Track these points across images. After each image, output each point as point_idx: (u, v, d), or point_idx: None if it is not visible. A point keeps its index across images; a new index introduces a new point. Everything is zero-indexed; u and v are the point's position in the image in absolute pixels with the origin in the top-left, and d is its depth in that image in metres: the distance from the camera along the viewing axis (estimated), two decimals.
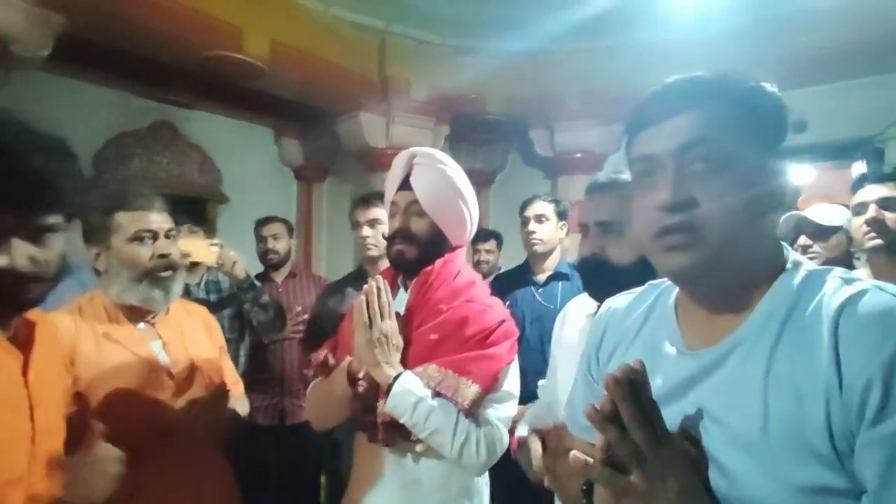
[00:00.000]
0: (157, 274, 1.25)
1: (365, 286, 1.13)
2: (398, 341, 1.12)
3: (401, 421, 1.07)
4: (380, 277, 1.15)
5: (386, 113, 3.56)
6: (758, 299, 0.60)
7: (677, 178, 0.59)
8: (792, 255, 0.64)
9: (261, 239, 2.62)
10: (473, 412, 1.10)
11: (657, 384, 0.64)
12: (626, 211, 1.02)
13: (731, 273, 0.60)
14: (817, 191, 3.01)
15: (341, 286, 2.07)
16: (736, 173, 0.58)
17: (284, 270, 2.66)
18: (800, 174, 3.38)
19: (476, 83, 3.58)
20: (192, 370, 1.30)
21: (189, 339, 1.34)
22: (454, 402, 1.07)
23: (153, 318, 1.31)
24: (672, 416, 0.61)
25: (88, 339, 1.18)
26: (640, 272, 1.00)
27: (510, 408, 1.17)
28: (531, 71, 3.64)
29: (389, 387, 1.07)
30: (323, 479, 2.71)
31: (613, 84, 3.41)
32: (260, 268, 2.68)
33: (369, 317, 1.10)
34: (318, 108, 3.62)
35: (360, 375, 1.11)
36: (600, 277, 1.07)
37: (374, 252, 1.98)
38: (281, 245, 2.61)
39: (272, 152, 4.24)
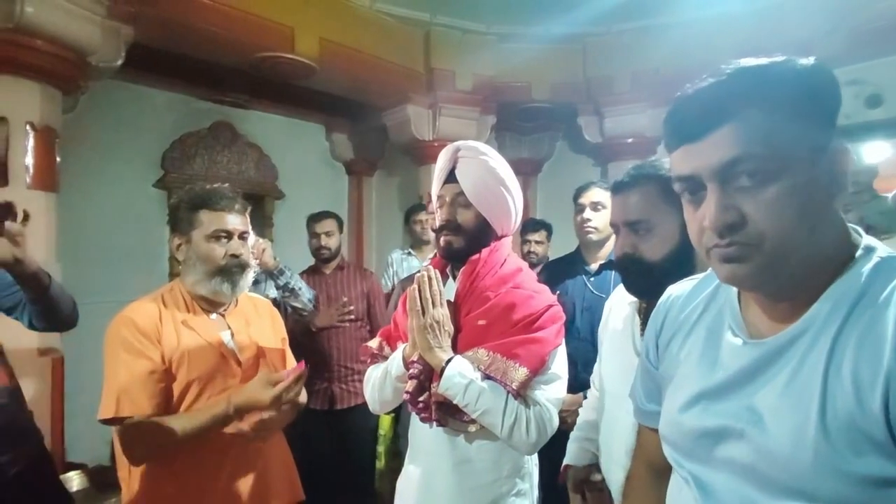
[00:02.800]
0: (227, 271, 1.35)
1: (417, 275, 1.18)
2: (449, 327, 1.17)
3: (454, 402, 1.11)
4: (431, 267, 1.20)
5: (432, 105, 3.60)
6: (825, 287, 0.58)
7: (722, 198, 0.57)
8: (865, 239, 0.60)
9: (313, 235, 2.74)
10: (522, 394, 1.13)
11: (718, 374, 0.64)
12: (653, 207, 1.04)
13: (791, 272, 0.58)
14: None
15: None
16: (787, 176, 0.55)
17: (334, 263, 2.77)
18: (875, 152, 3.14)
19: (522, 70, 3.55)
20: (258, 358, 1.40)
21: (255, 330, 1.44)
22: (503, 384, 1.11)
23: (224, 309, 1.42)
24: (731, 406, 0.61)
25: (169, 325, 1.30)
26: (674, 266, 1.02)
27: (559, 389, 1.19)
28: (578, 55, 3.57)
29: (442, 370, 1.11)
30: (383, 459, 2.83)
31: (665, 63, 3.30)
32: (312, 260, 2.80)
33: (422, 305, 1.15)
34: (366, 103, 3.70)
35: (415, 359, 1.16)
36: (636, 275, 1.08)
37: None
38: (332, 241, 2.72)
39: (324, 148, 4.37)
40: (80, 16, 2.23)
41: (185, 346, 1.29)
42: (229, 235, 1.35)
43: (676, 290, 0.80)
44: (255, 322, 1.46)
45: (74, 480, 2.24)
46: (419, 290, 1.16)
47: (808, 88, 0.56)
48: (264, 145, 3.88)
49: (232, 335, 1.39)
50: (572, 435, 1.41)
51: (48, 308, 1.37)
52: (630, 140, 3.68)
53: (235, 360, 1.36)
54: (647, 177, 1.07)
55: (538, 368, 1.13)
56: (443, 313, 1.16)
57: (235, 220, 1.37)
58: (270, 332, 1.50)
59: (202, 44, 2.76)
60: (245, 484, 1.32)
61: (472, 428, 1.15)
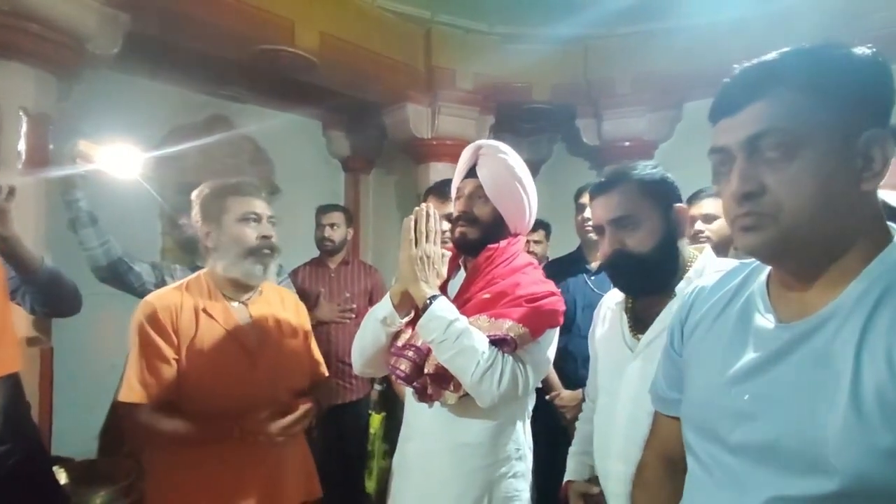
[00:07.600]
0: (259, 252, 1.38)
1: (416, 208, 1.19)
2: (440, 269, 1.18)
3: (429, 338, 1.11)
4: (431, 205, 1.21)
5: (431, 104, 3.58)
6: (857, 272, 0.60)
7: (745, 169, 0.61)
8: None
9: (319, 226, 2.73)
10: (514, 346, 1.13)
11: (748, 356, 0.65)
12: (636, 203, 1.08)
13: (813, 249, 0.61)
14: None
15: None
16: (812, 154, 0.58)
17: (339, 257, 2.76)
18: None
19: (523, 71, 3.54)
20: (277, 349, 1.41)
21: (278, 321, 1.46)
22: (502, 337, 1.12)
23: (248, 298, 1.43)
24: (762, 388, 0.62)
25: (189, 312, 1.32)
26: (662, 258, 1.07)
27: (544, 364, 1.23)
28: (580, 56, 3.57)
29: (425, 306, 1.11)
30: (373, 459, 2.80)
31: (667, 67, 3.29)
32: (316, 252, 2.79)
33: (416, 236, 1.15)
34: (365, 100, 3.67)
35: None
36: (626, 269, 1.10)
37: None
38: (337, 234, 2.71)
39: (321, 144, 4.34)
40: (76, 0, 2.19)
41: (202, 334, 1.31)
42: (259, 218, 1.40)
43: (703, 282, 0.83)
44: (278, 313, 1.48)
45: (61, 474, 2.18)
46: (415, 222, 1.16)
47: (846, 74, 0.59)
48: (260, 139, 3.84)
49: (253, 325, 1.40)
50: (571, 450, 1.41)
51: (45, 291, 1.36)
52: (627, 143, 3.67)
53: (252, 349, 1.36)
54: (625, 176, 1.10)
55: (537, 335, 1.15)
56: (435, 251, 1.15)
57: (263, 205, 1.44)
58: (294, 324, 1.52)
59: (200, 35, 2.71)
60: (261, 477, 1.33)
61: (458, 395, 1.15)
